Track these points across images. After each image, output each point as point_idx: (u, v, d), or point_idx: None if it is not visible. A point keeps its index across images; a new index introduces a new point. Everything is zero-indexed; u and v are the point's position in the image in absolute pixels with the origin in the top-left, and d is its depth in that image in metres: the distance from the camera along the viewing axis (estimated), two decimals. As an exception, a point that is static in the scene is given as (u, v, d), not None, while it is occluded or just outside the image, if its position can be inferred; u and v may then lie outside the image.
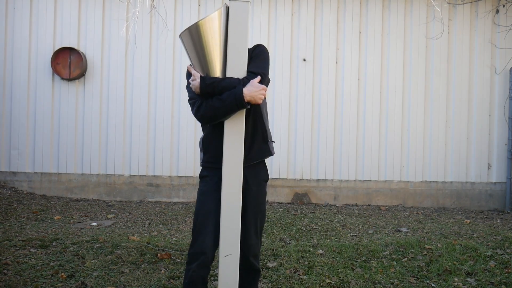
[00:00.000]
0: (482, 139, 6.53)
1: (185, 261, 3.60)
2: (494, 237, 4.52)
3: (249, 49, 2.21)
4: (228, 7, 2.10)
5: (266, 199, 6.20)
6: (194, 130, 6.27)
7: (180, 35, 2.13)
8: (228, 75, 2.10)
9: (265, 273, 3.40)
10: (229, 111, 2.08)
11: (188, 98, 2.26)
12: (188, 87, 2.23)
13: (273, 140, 2.39)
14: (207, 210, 2.16)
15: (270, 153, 2.33)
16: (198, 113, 2.14)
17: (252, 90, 2.06)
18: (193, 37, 2.09)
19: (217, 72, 2.12)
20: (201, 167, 2.31)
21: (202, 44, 2.09)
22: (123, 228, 4.72)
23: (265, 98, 2.20)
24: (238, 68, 2.10)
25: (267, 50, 2.25)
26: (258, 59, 2.19)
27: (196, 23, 2.07)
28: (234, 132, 2.11)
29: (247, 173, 2.21)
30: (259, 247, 2.33)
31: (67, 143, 6.30)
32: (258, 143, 2.26)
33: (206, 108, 2.10)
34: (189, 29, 2.09)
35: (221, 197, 2.10)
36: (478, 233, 4.67)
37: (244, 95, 2.04)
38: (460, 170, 6.51)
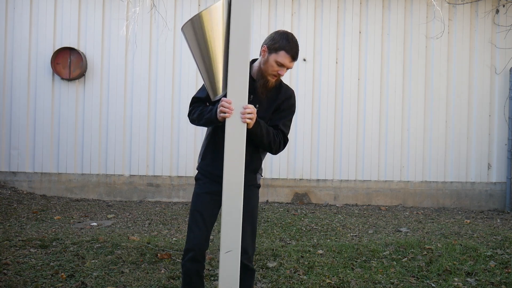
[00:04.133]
0: (482, 139, 6.52)
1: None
2: (494, 237, 4.52)
3: (282, 85, 2.42)
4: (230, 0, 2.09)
5: (266, 199, 6.22)
6: (194, 130, 6.27)
7: (182, 28, 2.10)
8: (230, 67, 2.08)
9: (265, 273, 3.40)
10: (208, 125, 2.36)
11: (196, 95, 2.44)
12: (204, 90, 2.35)
13: (261, 174, 2.57)
14: (198, 209, 2.37)
15: (256, 182, 2.47)
16: (189, 117, 2.43)
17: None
18: (195, 28, 2.06)
19: (219, 64, 2.11)
20: (197, 171, 2.49)
21: (204, 35, 2.06)
22: (123, 228, 4.72)
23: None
24: (240, 61, 2.08)
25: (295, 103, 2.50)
26: (288, 118, 2.45)
27: (198, 13, 2.05)
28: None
29: None
30: (253, 250, 2.45)
31: (67, 143, 6.30)
32: (249, 171, 2.35)
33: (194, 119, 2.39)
34: (191, 20, 2.06)
35: (222, 192, 2.12)
36: (478, 233, 4.67)
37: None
38: (460, 170, 6.51)
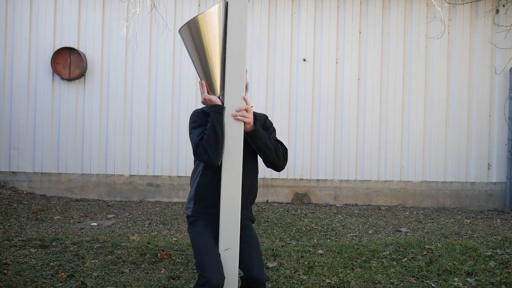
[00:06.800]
0: (482, 139, 6.52)
1: (185, 261, 3.60)
2: (494, 237, 4.52)
3: (254, 113, 2.19)
4: (227, 2, 2.10)
5: (266, 199, 6.22)
6: (194, 130, 6.27)
7: (179, 30, 2.14)
8: (227, 71, 2.10)
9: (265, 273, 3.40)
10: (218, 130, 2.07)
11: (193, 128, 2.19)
12: (197, 124, 2.16)
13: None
14: (208, 245, 2.11)
15: (252, 215, 2.35)
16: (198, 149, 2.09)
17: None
18: (192, 32, 2.10)
19: (216, 68, 2.12)
20: (190, 216, 2.25)
21: (200, 39, 2.09)
22: (123, 228, 4.72)
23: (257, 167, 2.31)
24: (237, 65, 2.10)
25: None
26: (275, 133, 2.33)
27: (194, 17, 2.08)
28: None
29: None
30: (265, 280, 2.19)
31: (67, 143, 6.30)
32: (248, 203, 2.27)
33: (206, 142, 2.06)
34: (188, 24, 2.10)
35: (221, 188, 2.08)
36: (478, 233, 4.67)
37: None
38: (460, 170, 6.51)
